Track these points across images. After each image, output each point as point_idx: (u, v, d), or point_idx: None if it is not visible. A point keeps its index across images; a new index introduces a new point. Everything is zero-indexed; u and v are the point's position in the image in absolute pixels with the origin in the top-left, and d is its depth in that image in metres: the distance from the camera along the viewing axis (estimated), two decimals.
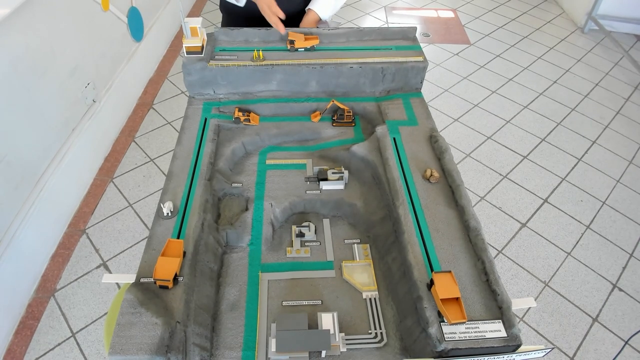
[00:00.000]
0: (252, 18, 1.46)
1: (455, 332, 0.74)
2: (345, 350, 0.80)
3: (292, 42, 1.27)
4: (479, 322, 0.76)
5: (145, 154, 2.41)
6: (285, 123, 1.24)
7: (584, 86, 3.12)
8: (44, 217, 1.84)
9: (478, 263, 0.85)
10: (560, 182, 2.40)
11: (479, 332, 0.75)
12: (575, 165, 2.51)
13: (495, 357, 0.74)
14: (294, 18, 1.52)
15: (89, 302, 1.76)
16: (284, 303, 0.89)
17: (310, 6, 1.47)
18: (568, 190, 2.36)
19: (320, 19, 1.49)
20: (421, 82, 1.30)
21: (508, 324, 0.75)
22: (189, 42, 1.20)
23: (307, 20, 1.48)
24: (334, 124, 1.25)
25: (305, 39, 1.27)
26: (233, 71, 1.22)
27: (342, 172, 1.08)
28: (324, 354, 0.79)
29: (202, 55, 1.22)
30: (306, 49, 1.29)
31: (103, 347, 1.61)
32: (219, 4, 1.63)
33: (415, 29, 1.37)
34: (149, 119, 2.64)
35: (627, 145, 2.67)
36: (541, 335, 1.76)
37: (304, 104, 1.28)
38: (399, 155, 1.08)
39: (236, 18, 1.58)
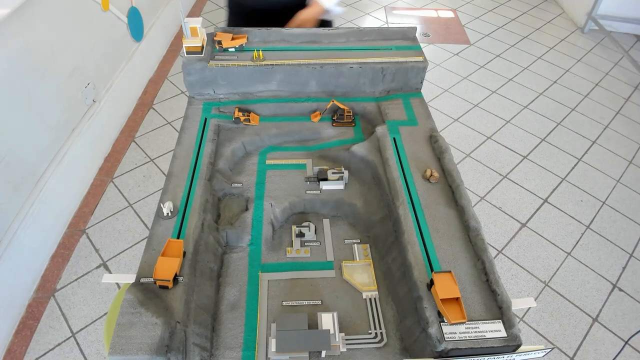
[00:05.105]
0: (259, 18, 1.43)
1: (455, 332, 0.74)
2: (345, 350, 0.80)
3: (219, 42, 1.25)
4: (479, 322, 0.76)
5: (145, 154, 2.41)
6: (285, 123, 1.24)
7: (584, 86, 3.12)
8: (44, 217, 1.84)
9: (478, 263, 0.85)
10: (560, 182, 2.40)
11: (479, 332, 0.75)
12: (575, 165, 2.51)
13: (495, 357, 0.74)
14: (289, 10, 1.48)
15: (89, 302, 1.76)
16: (284, 303, 0.89)
17: None
18: (568, 190, 2.36)
19: (325, 10, 1.45)
20: (421, 82, 1.30)
21: (508, 324, 0.75)
22: (189, 42, 1.20)
23: (310, 12, 1.43)
24: (334, 124, 1.25)
25: (233, 39, 1.26)
26: (233, 71, 1.22)
27: (342, 172, 1.08)
28: (324, 354, 0.78)
29: (202, 55, 1.22)
30: (236, 49, 1.27)
31: (103, 347, 1.61)
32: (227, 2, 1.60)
33: (415, 29, 1.37)
34: (149, 119, 2.64)
35: (627, 145, 2.67)
36: (541, 335, 1.76)
37: (304, 104, 1.28)
38: (399, 155, 1.07)
39: (244, 18, 1.54)
